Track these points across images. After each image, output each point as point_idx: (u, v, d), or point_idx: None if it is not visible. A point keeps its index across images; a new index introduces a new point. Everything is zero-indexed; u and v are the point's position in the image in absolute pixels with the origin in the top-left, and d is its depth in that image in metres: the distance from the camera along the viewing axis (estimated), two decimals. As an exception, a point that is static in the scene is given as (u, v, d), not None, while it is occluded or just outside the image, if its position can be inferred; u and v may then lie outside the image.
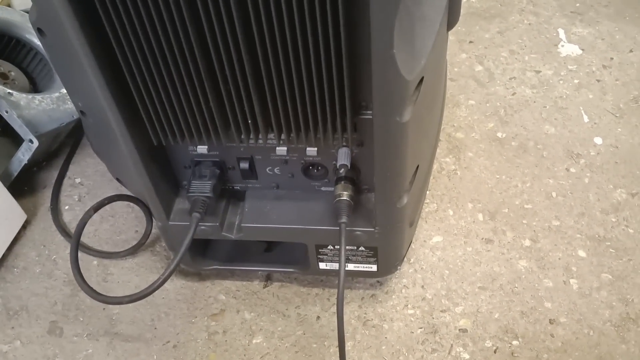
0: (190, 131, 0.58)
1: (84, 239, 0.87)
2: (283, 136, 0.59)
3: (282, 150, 0.63)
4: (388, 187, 0.61)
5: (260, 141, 0.60)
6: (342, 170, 0.62)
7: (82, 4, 0.48)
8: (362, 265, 0.71)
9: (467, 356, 0.71)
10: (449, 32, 0.72)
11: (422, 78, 0.54)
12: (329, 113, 0.54)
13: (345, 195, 0.62)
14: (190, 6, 0.47)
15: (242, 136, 0.59)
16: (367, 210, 0.66)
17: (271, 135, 0.60)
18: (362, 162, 0.63)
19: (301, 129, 0.57)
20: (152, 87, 0.54)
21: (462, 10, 0.78)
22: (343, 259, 0.60)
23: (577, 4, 1.19)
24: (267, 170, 0.66)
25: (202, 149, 0.64)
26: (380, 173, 0.59)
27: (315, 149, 0.62)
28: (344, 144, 0.61)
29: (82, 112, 0.65)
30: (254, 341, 0.75)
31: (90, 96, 0.58)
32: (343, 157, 0.61)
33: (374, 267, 0.72)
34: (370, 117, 0.57)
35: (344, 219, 0.62)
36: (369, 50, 0.49)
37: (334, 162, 0.63)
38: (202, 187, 0.64)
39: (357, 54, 0.51)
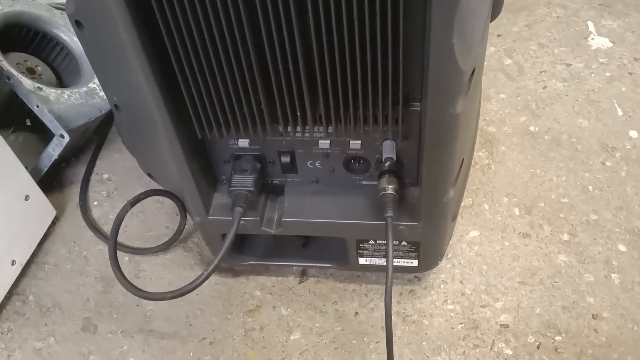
0: (237, 124, 0.57)
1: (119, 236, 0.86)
2: (330, 129, 0.58)
3: (324, 143, 0.62)
4: (436, 181, 0.60)
5: (307, 134, 0.59)
6: (387, 164, 0.61)
7: (133, -7, 0.47)
8: (403, 260, 0.70)
9: (510, 352, 0.70)
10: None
11: (474, 69, 0.53)
12: (380, 105, 0.53)
13: (390, 189, 0.61)
14: (246, -5, 0.46)
15: (289, 129, 0.58)
16: (410, 205, 0.65)
17: (317, 128, 0.59)
18: (406, 155, 0.62)
19: (350, 120, 0.56)
20: (201, 80, 0.53)
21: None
22: (391, 253, 0.59)
23: (604, -4, 1.18)
24: (307, 164, 0.65)
25: (244, 142, 0.63)
26: (428, 166, 0.58)
27: (359, 141, 0.61)
28: (390, 136, 0.60)
29: (116, 106, 0.64)
30: (291, 337, 0.74)
31: (129, 90, 0.57)
32: (389, 150, 0.60)
33: (415, 262, 0.71)
34: (418, 109, 0.56)
35: (390, 213, 0.61)
36: (420, 41, 0.48)
37: (377, 155, 0.62)
38: (244, 181, 0.63)
39: (409, 44, 0.50)
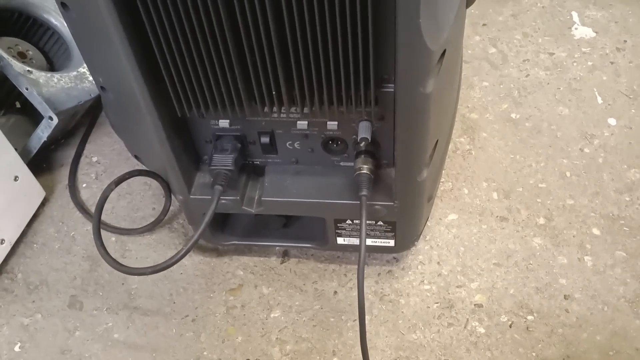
0: (215, 103, 0.59)
1: (103, 215, 0.88)
2: (306, 109, 0.59)
3: (302, 124, 0.63)
4: (409, 160, 0.62)
5: (283, 114, 0.61)
6: (362, 144, 0.63)
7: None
8: (380, 240, 0.72)
9: (482, 330, 0.72)
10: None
11: (445, 50, 0.55)
12: (353, 85, 0.55)
13: (365, 169, 0.63)
14: (219, -25, 0.48)
15: (266, 109, 0.60)
16: (387, 185, 0.67)
17: (294, 109, 0.60)
18: (382, 136, 0.64)
19: (324, 101, 0.58)
20: (179, 59, 0.55)
21: (477, -8, 0.79)
22: (364, 230, 0.61)
23: (590, -12, 1.20)
24: (287, 145, 0.67)
25: (224, 123, 0.65)
26: (401, 145, 0.60)
27: (336, 122, 0.63)
28: (365, 117, 0.62)
29: (102, 88, 0.66)
30: (272, 315, 0.76)
31: (113, 70, 0.59)
32: (364, 130, 0.62)
33: (391, 242, 0.72)
34: (392, 90, 0.58)
35: (364, 192, 0.62)
36: (393, 22, 0.49)
37: (354, 136, 0.64)
38: (224, 160, 0.65)
39: (382, 26, 0.51)
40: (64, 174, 0.96)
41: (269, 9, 0.49)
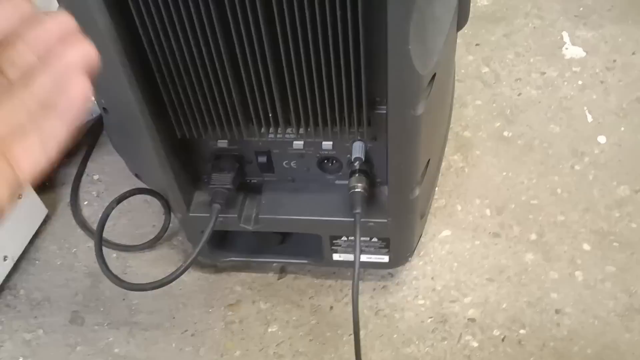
0: (214, 124, 0.61)
1: (105, 233, 0.90)
2: (301, 130, 0.62)
3: (298, 144, 0.65)
4: (401, 179, 0.64)
5: (280, 135, 0.63)
6: (356, 163, 0.65)
7: (113, 1, 0.51)
8: (374, 256, 0.74)
9: (475, 344, 0.74)
10: (457, 34, 0.75)
11: (435, 74, 0.57)
12: (345, 107, 0.57)
13: (359, 187, 0.65)
14: (217, 2, 0.50)
15: (262, 130, 0.62)
16: (380, 202, 0.69)
17: (290, 130, 0.62)
18: (376, 156, 0.66)
19: (319, 123, 0.60)
20: (179, 82, 0.57)
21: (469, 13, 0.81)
22: (358, 246, 0.63)
23: (581, 8, 1.22)
24: (283, 164, 0.69)
25: (223, 143, 0.67)
26: (394, 165, 0.62)
27: (331, 143, 0.65)
28: (359, 137, 0.64)
29: (104, 110, 0.68)
30: (269, 330, 0.78)
31: (115, 93, 0.61)
32: (358, 150, 0.64)
33: (385, 258, 0.74)
34: (384, 112, 0.60)
35: (358, 209, 0.64)
36: (385, 47, 0.52)
37: (349, 155, 0.66)
38: (223, 179, 0.67)
39: (374, 51, 0.53)
40: (66, 192, 0.97)
41: (265, 35, 0.52)
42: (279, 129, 0.63)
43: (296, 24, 0.50)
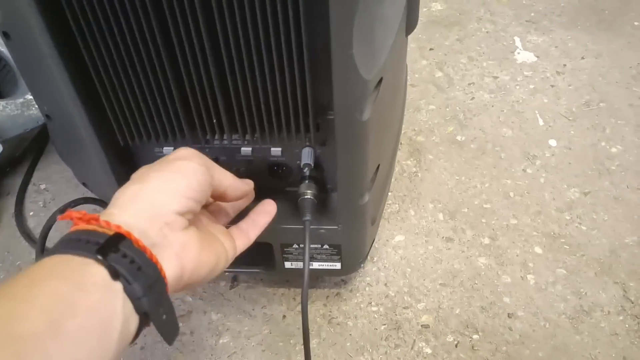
0: (157, 131, 0.59)
1: (49, 243, 0.86)
2: (247, 136, 0.60)
3: (247, 150, 0.64)
4: (350, 185, 0.63)
5: (225, 141, 0.62)
6: (305, 170, 0.64)
7: (48, 5, 0.49)
8: (326, 263, 0.73)
9: (429, 351, 0.73)
10: (410, 39, 0.75)
11: (381, 78, 0.56)
12: (292, 113, 0.56)
13: (309, 194, 0.64)
14: (155, 7, 0.48)
15: (208, 136, 0.61)
16: (331, 209, 0.68)
17: (236, 136, 0.61)
18: (326, 161, 0.65)
19: (265, 129, 0.58)
20: (119, 87, 0.55)
21: (422, 18, 0.81)
22: (307, 254, 0.62)
23: (532, 14, 1.24)
24: (232, 170, 0.67)
25: (168, 150, 0.65)
26: (342, 171, 0.61)
27: (280, 149, 0.64)
28: (307, 144, 0.63)
29: (47, 117, 0.65)
30: (220, 341, 0.76)
31: (56, 99, 0.59)
32: (306, 156, 0.63)
33: (337, 265, 0.73)
34: (332, 117, 0.59)
35: (307, 217, 0.63)
36: (329, 52, 0.51)
37: (298, 161, 0.65)
38: (168, 188, 0.65)
39: (319, 55, 0.53)
40: (10, 202, 0.94)
41: (206, 40, 0.50)
42: (224, 136, 0.61)
43: (237, 24, 0.49)
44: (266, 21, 0.49)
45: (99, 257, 0.39)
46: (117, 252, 0.40)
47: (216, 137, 0.61)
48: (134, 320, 0.41)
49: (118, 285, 0.39)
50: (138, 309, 0.41)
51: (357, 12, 0.48)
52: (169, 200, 0.47)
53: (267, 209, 0.62)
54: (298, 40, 0.50)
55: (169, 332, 0.45)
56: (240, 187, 0.57)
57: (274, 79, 0.53)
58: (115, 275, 0.39)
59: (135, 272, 0.40)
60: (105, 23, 0.50)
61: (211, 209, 0.59)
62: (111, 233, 0.41)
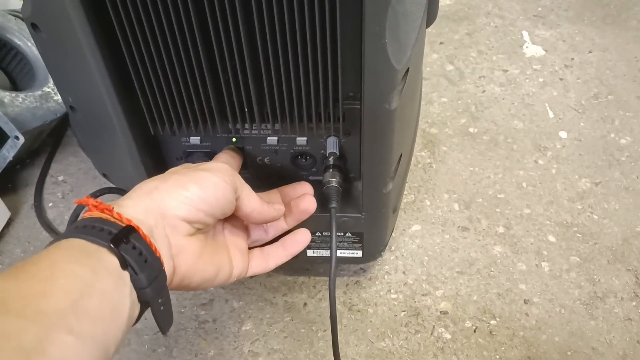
0: (188, 120, 0.60)
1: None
2: (276, 126, 0.62)
3: (273, 140, 0.65)
4: (375, 173, 0.64)
5: (254, 131, 0.63)
6: (330, 158, 0.65)
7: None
8: (348, 251, 0.75)
9: (448, 336, 0.75)
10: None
11: (408, 68, 0.58)
12: (322, 103, 0.58)
13: (334, 182, 0.65)
14: (195, -1, 0.50)
15: (237, 126, 0.62)
16: (354, 198, 0.69)
17: (264, 126, 0.63)
18: (349, 151, 0.66)
19: (295, 119, 0.60)
20: (154, 77, 0.56)
21: (434, 12, 0.83)
22: (334, 240, 0.63)
23: (539, 8, 1.26)
24: (257, 160, 0.69)
25: (195, 140, 0.66)
26: (368, 159, 0.63)
27: (305, 138, 0.65)
28: (333, 133, 0.64)
29: (71, 108, 0.67)
30: (243, 328, 0.77)
31: (85, 90, 0.60)
32: (332, 145, 0.64)
33: (359, 253, 0.75)
34: (358, 107, 0.60)
35: (334, 204, 0.65)
36: (359, 43, 0.52)
37: (322, 151, 0.66)
38: (196, 177, 0.67)
39: (348, 47, 0.54)
40: (29, 193, 0.95)
41: (243, 31, 0.52)
42: (254, 125, 0.62)
43: (274, 16, 0.50)
44: (302, 11, 0.50)
45: (112, 246, 0.42)
46: (127, 243, 0.43)
47: (246, 126, 0.62)
48: (137, 306, 0.44)
49: (126, 274, 0.43)
50: (141, 298, 0.44)
51: (391, 3, 0.49)
52: (178, 206, 0.49)
53: (299, 239, 0.64)
54: (333, 31, 0.51)
55: (165, 321, 0.49)
56: (266, 213, 0.58)
57: (307, 70, 0.55)
58: (124, 265, 0.43)
59: (142, 263, 0.44)
60: (144, 12, 0.51)
61: (237, 224, 0.62)
62: (123, 225, 0.44)
